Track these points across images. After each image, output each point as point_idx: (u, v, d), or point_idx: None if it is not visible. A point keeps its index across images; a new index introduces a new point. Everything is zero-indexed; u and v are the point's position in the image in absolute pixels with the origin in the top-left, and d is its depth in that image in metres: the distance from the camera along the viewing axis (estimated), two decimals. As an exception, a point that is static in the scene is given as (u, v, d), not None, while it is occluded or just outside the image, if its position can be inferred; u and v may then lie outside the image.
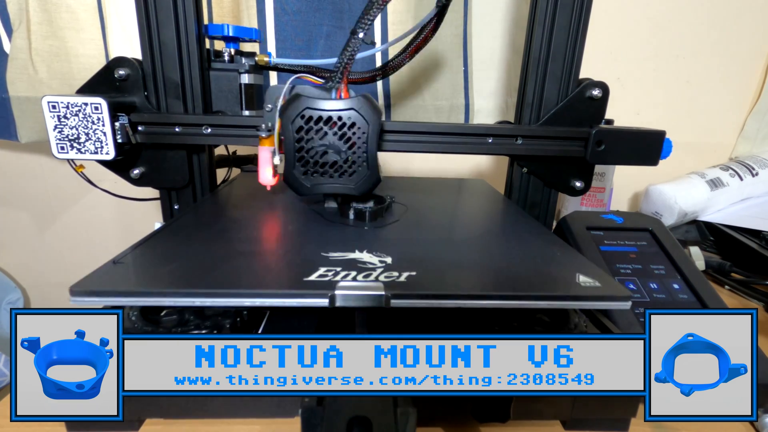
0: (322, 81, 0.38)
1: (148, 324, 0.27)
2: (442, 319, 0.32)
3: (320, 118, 0.35)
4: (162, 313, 0.28)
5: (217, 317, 0.27)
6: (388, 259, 0.29)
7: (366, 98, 0.36)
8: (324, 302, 0.24)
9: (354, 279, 0.25)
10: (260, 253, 0.31)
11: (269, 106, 0.38)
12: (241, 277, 0.26)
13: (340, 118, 0.35)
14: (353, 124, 0.36)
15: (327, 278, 0.25)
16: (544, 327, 0.28)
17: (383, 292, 0.24)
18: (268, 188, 0.40)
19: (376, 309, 0.24)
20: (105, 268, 0.26)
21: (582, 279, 0.26)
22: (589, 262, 0.29)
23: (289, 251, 0.32)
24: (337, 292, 0.24)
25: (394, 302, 0.24)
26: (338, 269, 0.26)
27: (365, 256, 0.29)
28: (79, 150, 0.37)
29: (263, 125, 0.37)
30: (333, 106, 0.35)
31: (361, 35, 0.34)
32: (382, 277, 0.25)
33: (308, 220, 0.38)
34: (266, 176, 0.38)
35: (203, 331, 0.26)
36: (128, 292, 0.23)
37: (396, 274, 0.26)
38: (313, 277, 0.25)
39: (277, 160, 0.37)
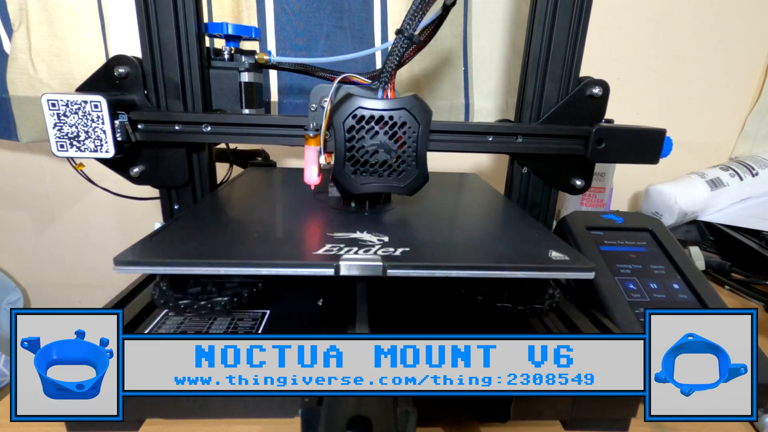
0: (369, 81, 0.38)
1: (176, 292, 0.29)
2: (438, 309, 0.34)
3: (372, 117, 0.36)
4: (188, 283, 0.31)
5: (236, 288, 0.30)
6: (386, 238, 0.32)
7: (417, 98, 0.36)
8: (330, 271, 0.27)
9: (356, 253, 0.28)
10: (272, 233, 0.34)
11: (314, 105, 0.38)
12: (258, 252, 0.29)
13: (391, 118, 0.36)
14: (404, 124, 0.36)
15: (332, 252, 0.28)
16: (523, 296, 0.31)
17: (381, 263, 0.27)
18: (312, 187, 0.40)
19: (374, 280, 0.26)
20: (142, 243, 0.29)
21: (554, 254, 0.29)
22: (561, 241, 0.32)
23: (298, 232, 0.36)
24: (341, 263, 0.27)
25: (391, 272, 0.27)
26: (342, 245, 0.29)
27: (365, 236, 0.32)
28: (78, 148, 0.37)
29: (310, 125, 0.38)
30: (385, 105, 0.35)
31: (406, 34, 0.35)
32: (380, 252, 0.29)
33: (314, 207, 0.41)
34: (312, 176, 0.38)
35: (225, 299, 0.29)
36: (164, 262, 0.26)
37: (392, 249, 0.29)
38: (320, 252, 0.28)
39: (322, 159, 0.38)
